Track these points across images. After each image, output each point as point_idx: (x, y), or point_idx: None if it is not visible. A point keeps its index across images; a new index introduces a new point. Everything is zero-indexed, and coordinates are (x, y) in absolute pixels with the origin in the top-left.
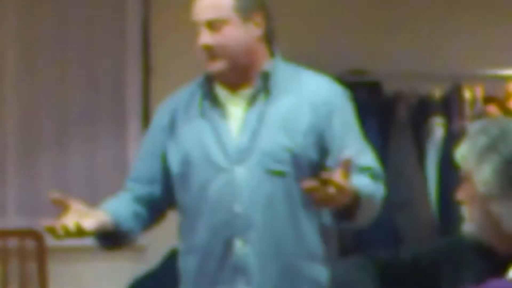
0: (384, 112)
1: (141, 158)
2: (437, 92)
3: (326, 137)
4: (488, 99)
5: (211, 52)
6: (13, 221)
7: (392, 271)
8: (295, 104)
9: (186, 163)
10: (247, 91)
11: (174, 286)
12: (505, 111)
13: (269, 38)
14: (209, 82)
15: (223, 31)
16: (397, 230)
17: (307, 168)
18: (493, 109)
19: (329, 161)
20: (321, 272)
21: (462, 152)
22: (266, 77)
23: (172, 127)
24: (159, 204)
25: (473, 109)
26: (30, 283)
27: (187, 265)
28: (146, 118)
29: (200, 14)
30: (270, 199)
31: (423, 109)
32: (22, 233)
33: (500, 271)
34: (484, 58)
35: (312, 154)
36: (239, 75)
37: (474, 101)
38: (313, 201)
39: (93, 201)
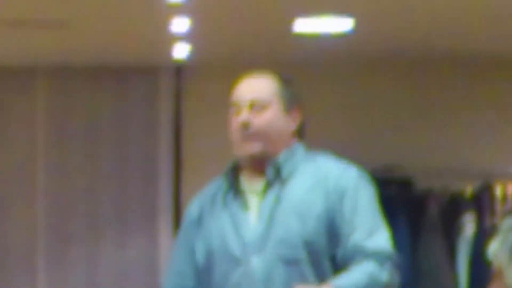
0: (415, 208)
1: (177, 253)
2: (468, 189)
3: (336, 223)
4: None
5: (248, 132)
6: None
7: None
8: (310, 188)
9: (209, 255)
10: (263, 180)
11: None
12: None
13: (300, 134)
14: (235, 171)
15: (265, 114)
16: None
17: (320, 253)
18: None
19: (338, 251)
20: None
21: (494, 249)
22: (276, 167)
23: (200, 221)
24: None
25: (504, 206)
26: None
27: None
28: (177, 213)
29: (243, 94)
30: (287, 284)
31: (454, 206)
32: None
33: None
34: None
35: (323, 240)
36: (266, 162)
37: (505, 198)
38: None
39: None
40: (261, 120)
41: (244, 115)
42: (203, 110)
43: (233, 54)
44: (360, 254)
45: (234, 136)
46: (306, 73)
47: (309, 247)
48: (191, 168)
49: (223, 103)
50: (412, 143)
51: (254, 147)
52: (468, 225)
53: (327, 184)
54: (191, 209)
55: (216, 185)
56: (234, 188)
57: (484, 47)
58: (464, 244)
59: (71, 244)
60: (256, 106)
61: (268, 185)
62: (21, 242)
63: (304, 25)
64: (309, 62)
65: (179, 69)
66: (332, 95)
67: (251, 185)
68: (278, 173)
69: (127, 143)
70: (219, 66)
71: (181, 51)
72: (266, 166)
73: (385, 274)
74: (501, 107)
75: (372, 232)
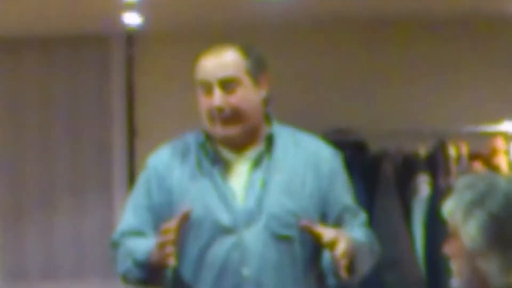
0: (369, 171)
1: (130, 211)
2: (422, 150)
3: (328, 200)
4: (473, 156)
5: (224, 115)
6: (1, 285)
7: None
8: (298, 167)
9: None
10: (250, 153)
11: None
12: (490, 167)
13: (267, 99)
14: (209, 141)
15: (237, 93)
16: None
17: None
18: (478, 165)
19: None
20: None
21: (449, 208)
22: (270, 140)
23: (166, 186)
24: None
25: (459, 166)
26: None
27: None
28: (132, 181)
29: (210, 72)
30: (278, 263)
31: (408, 167)
32: None
33: None
34: (468, 115)
35: (315, 216)
36: (247, 137)
37: (459, 157)
38: (340, 269)
39: (80, 266)
40: (235, 100)
41: (216, 98)
42: (157, 79)
43: (185, 22)
44: (351, 228)
45: (207, 117)
46: (256, 38)
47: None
48: (145, 138)
49: (177, 72)
50: (364, 106)
51: (233, 130)
52: (423, 186)
53: (317, 163)
54: (154, 164)
55: (182, 148)
56: (214, 157)
57: (435, 6)
58: (419, 204)
59: (26, 215)
60: (226, 84)
61: (258, 157)
62: None
63: None
64: (260, 27)
65: (131, 38)
66: (282, 60)
67: (235, 157)
68: (269, 145)
69: (80, 113)
70: (172, 34)
71: (132, 19)
72: (251, 139)
73: (374, 241)
74: (454, 67)
75: (356, 213)
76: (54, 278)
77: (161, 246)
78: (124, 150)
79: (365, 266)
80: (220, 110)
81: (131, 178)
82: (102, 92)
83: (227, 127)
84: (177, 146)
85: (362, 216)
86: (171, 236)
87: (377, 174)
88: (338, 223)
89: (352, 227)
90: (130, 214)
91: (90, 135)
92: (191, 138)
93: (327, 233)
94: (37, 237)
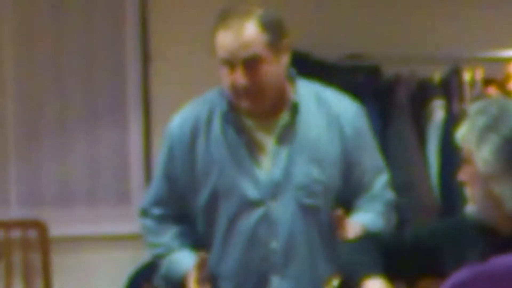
0: (383, 96)
1: (158, 179)
2: (437, 75)
3: (351, 163)
4: (487, 81)
5: (248, 92)
6: (16, 212)
7: (396, 253)
8: (323, 134)
9: (214, 195)
10: (275, 122)
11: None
12: (505, 92)
13: (288, 62)
14: (231, 108)
15: (260, 71)
16: (399, 214)
17: (334, 198)
18: (492, 90)
19: (346, 192)
20: None
21: (462, 133)
22: (296, 108)
23: (190, 153)
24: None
25: (473, 91)
26: (33, 274)
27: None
28: (146, 106)
29: (232, 53)
30: (306, 234)
31: (422, 92)
32: (25, 224)
33: (502, 251)
34: (483, 40)
35: (339, 183)
36: (273, 108)
37: (473, 83)
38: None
39: (94, 190)
40: (259, 78)
41: (240, 77)
42: (171, 3)
43: None
44: (367, 197)
45: (232, 91)
46: None
47: (328, 194)
48: (159, 60)
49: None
50: (379, 31)
51: (259, 105)
52: (437, 111)
53: (340, 125)
54: (178, 130)
55: (205, 112)
56: (237, 126)
57: None
58: (433, 129)
59: (41, 139)
60: (248, 62)
61: (283, 127)
62: None
63: None
64: None
65: None
66: None
67: (259, 127)
68: (294, 114)
69: (94, 38)
70: None
71: None
72: (276, 107)
73: (392, 218)
74: None
75: (377, 173)
76: (68, 205)
77: None
78: (138, 74)
79: None
80: (245, 88)
81: (145, 103)
82: (116, 17)
83: (252, 103)
84: (201, 110)
85: (383, 175)
86: None
87: (391, 99)
88: (356, 187)
89: (368, 201)
90: (157, 182)
91: (104, 60)
92: (214, 102)
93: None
94: (51, 164)
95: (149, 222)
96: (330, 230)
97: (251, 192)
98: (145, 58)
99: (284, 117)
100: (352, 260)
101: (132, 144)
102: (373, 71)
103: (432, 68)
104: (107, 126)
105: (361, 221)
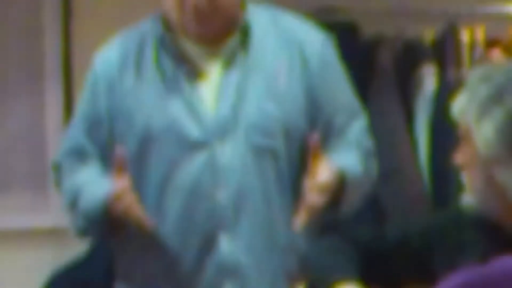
0: (361, 61)
1: (76, 123)
2: (428, 35)
3: (318, 102)
4: (490, 42)
5: (201, 9)
6: None
7: (377, 254)
8: (281, 63)
9: (145, 138)
10: (223, 49)
11: (106, 279)
12: (511, 56)
13: None
14: (168, 32)
15: None
16: (381, 205)
17: (298, 142)
18: (496, 53)
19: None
20: None
21: (460, 106)
22: (246, 31)
23: (117, 90)
24: None
25: (472, 55)
26: None
27: (146, 267)
28: (67, 71)
29: None
30: (261, 183)
31: (410, 56)
32: None
33: (506, 250)
34: None
35: (302, 125)
36: (220, 31)
37: (473, 44)
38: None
39: (3, 174)
40: None
41: None
42: None
43: None
44: (343, 141)
45: (178, 7)
46: None
47: (288, 135)
48: (82, 19)
49: None
50: None
51: (210, 27)
52: (429, 79)
53: (304, 56)
54: (102, 65)
55: (137, 42)
56: (176, 54)
57: None
58: (423, 102)
59: None
60: None
61: (232, 54)
62: None
63: None
64: None
65: None
66: None
67: (202, 51)
68: (245, 39)
69: None
70: None
71: None
72: (225, 31)
73: (372, 165)
74: None
75: (352, 116)
76: None
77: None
78: (58, 34)
79: (356, 197)
80: (196, 6)
81: (66, 67)
82: None
83: (202, 23)
84: (130, 40)
85: (359, 119)
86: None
87: (372, 65)
88: (327, 130)
89: (342, 147)
90: (75, 128)
91: (17, 17)
92: (147, 29)
93: (323, 175)
94: None
95: (63, 172)
96: (292, 183)
97: (192, 132)
98: (66, 14)
99: (233, 41)
100: (321, 261)
101: (49, 118)
102: (349, 29)
103: (423, 26)
104: (19, 96)
105: (337, 163)
